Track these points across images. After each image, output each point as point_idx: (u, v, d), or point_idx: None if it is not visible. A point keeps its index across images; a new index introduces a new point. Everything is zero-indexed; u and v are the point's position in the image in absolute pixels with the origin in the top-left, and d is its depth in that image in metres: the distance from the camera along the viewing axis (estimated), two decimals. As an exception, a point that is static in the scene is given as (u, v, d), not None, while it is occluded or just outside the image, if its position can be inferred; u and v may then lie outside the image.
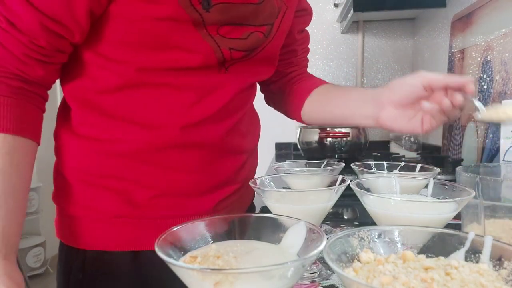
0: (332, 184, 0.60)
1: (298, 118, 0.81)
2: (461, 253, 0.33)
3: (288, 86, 0.83)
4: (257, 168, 0.81)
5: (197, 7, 0.52)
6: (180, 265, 0.31)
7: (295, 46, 0.81)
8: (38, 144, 0.56)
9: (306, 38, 0.84)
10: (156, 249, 0.32)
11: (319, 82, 0.80)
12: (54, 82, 0.58)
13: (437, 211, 0.48)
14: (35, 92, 0.54)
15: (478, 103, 0.59)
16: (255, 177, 0.60)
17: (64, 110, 0.61)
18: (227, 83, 0.61)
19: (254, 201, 0.82)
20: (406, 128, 0.62)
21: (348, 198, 0.60)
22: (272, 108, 0.89)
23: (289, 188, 0.65)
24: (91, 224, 0.59)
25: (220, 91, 0.60)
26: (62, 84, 0.60)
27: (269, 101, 0.88)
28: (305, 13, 0.80)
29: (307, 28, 0.83)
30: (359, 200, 0.53)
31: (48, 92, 0.58)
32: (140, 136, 0.57)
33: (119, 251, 0.59)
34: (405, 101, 0.61)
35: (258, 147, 0.78)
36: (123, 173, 0.58)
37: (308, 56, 0.86)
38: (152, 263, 0.60)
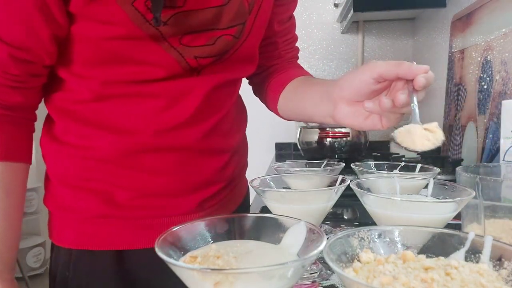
0: (332, 184, 0.60)
1: (277, 114, 0.78)
2: (461, 253, 0.33)
3: (267, 79, 0.79)
4: (248, 165, 0.79)
5: (153, 24, 0.51)
6: (180, 265, 0.31)
7: (275, 38, 0.76)
8: (29, 163, 0.60)
9: (290, 27, 0.78)
10: (156, 249, 0.32)
11: (295, 74, 0.74)
12: (38, 103, 0.61)
13: (437, 211, 0.48)
14: (20, 116, 0.58)
15: (415, 115, 0.51)
16: (256, 176, 0.60)
17: (48, 119, 0.64)
18: (200, 85, 0.60)
19: (254, 201, 0.82)
20: (365, 125, 0.56)
21: (348, 198, 0.60)
22: (272, 108, 0.88)
23: (289, 188, 0.65)
24: (76, 224, 0.61)
25: (193, 94, 0.60)
26: (44, 97, 0.62)
27: (255, 93, 0.85)
28: (288, 1, 0.75)
29: (306, 29, 0.81)
30: (359, 200, 0.53)
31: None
32: (114, 142, 0.59)
33: (103, 250, 0.60)
34: (357, 98, 0.55)
35: (258, 147, 0.78)
36: (102, 176, 0.60)
37: (308, 56, 0.84)
38: (136, 262, 0.62)
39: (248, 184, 0.56)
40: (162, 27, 0.52)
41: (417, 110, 0.51)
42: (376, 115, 0.55)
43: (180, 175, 0.62)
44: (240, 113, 0.75)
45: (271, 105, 0.78)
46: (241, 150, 0.75)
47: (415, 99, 0.51)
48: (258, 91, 0.83)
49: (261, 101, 0.84)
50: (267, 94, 0.78)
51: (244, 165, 0.79)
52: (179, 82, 0.58)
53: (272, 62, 0.79)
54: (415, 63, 0.51)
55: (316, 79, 0.73)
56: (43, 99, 0.62)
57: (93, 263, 0.61)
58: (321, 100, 0.62)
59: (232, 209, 0.73)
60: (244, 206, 0.80)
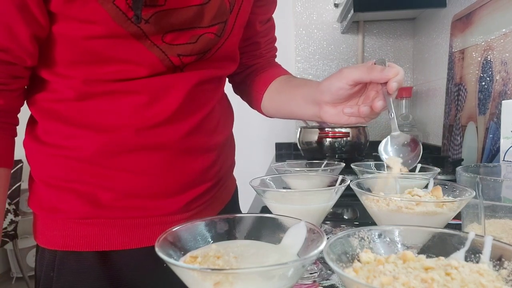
0: (332, 184, 0.60)
1: (260, 112, 0.81)
2: (461, 253, 0.33)
3: (249, 78, 0.81)
4: (235, 163, 0.79)
5: (133, 22, 0.51)
6: (181, 265, 0.31)
7: (257, 38, 0.79)
8: (10, 169, 0.59)
9: (270, 28, 0.81)
10: (156, 249, 0.32)
11: (276, 73, 0.78)
12: (20, 106, 0.60)
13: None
14: (1, 121, 0.56)
15: (394, 124, 0.58)
16: (256, 176, 0.60)
17: (30, 120, 0.63)
18: (182, 81, 0.60)
19: (254, 201, 0.82)
20: (350, 121, 0.62)
21: (348, 198, 0.60)
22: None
23: (289, 188, 0.65)
24: (60, 225, 0.61)
25: (176, 90, 0.60)
26: (26, 98, 0.61)
27: (236, 91, 0.87)
28: (267, 2, 0.77)
29: (306, 29, 0.82)
30: (359, 200, 0.53)
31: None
32: (97, 142, 0.58)
33: (88, 251, 0.60)
34: (338, 101, 0.62)
35: (258, 147, 0.78)
36: (85, 177, 0.59)
37: (308, 56, 0.86)
38: (122, 262, 0.61)
39: (249, 185, 0.56)
40: (144, 25, 0.52)
41: (395, 120, 0.58)
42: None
43: (164, 175, 0.61)
44: (226, 112, 0.75)
45: (255, 104, 0.81)
46: (227, 148, 0.75)
47: (391, 102, 0.57)
48: (239, 90, 0.85)
49: (243, 99, 0.86)
50: (249, 93, 0.80)
51: (232, 164, 0.78)
52: (161, 78, 0.58)
53: (253, 61, 0.81)
54: (387, 65, 0.58)
55: (297, 80, 0.76)
56: (25, 100, 0.61)
57: (78, 264, 0.60)
58: (306, 103, 0.68)
59: (219, 209, 0.73)
60: (231, 205, 0.79)
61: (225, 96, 0.75)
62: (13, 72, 0.54)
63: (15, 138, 0.60)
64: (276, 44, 0.86)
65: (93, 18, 0.51)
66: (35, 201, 0.63)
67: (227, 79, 0.83)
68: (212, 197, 0.69)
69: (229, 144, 0.76)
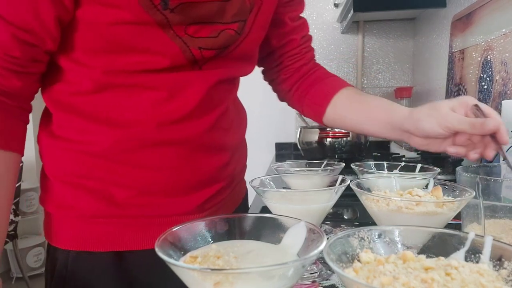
0: (332, 184, 0.60)
1: (320, 122, 0.79)
2: (461, 253, 0.33)
3: (303, 86, 0.79)
4: (247, 167, 0.80)
5: (160, 8, 0.51)
6: (181, 265, 0.31)
7: (292, 35, 0.78)
8: (21, 155, 0.58)
9: (303, 25, 0.80)
10: (156, 249, 0.32)
11: (338, 86, 0.76)
12: (35, 92, 0.59)
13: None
14: (15, 105, 0.56)
15: (508, 164, 0.55)
16: (256, 176, 0.60)
17: (45, 114, 0.63)
18: (201, 79, 0.60)
19: (254, 201, 0.82)
20: (442, 147, 0.61)
21: (348, 198, 0.60)
22: (272, 108, 0.89)
23: (289, 188, 0.65)
24: (73, 224, 0.60)
25: (194, 88, 0.60)
26: (41, 88, 0.61)
27: (283, 99, 0.86)
28: (294, 2, 0.77)
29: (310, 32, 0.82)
30: (359, 200, 0.53)
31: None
32: (115, 136, 0.58)
33: (101, 251, 0.60)
34: (430, 138, 0.61)
35: (258, 147, 0.78)
36: (101, 174, 0.59)
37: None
38: (136, 263, 0.61)
39: (249, 185, 0.56)
40: (169, 14, 0.52)
41: (509, 162, 0.55)
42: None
43: (180, 171, 0.61)
44: (239, 114, 0.75)
45: (314, 115, 0.79)
46: (241, 150, 0.75)
47: (504, 149, 0.56)
48: (289, 98, 0.83)
49: (292, 106, 0.84)
50: (307, 104, 0.78)
51: (244, 167, 0.79)
52: (181, 75, 0.58)
53: (297, 63, 0.80)
54: (487, 119, 0.54)
55: (370, 99, 0.73)
56: (40, 91, 0.61)
57: (91, 263, 0.60)
58: (393, 130, 0.67)
59: (230, 211, 0.73)
60: (242, 208, 0.79)
61: (238, 100, 0.76)
62: (33, 54, 0.53)
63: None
64: None
65: (119, 3, 0.50)
66: (48, 199, 0.62)
67: (271, 87, 0.85)
68: (225, 198, 0.70)
69: (242, 147, 0.77)
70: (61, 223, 0.61)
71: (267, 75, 0.84)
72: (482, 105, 0.56)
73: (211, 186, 0.65)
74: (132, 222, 0.60)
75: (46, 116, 0.62)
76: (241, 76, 0.72)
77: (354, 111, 0.73)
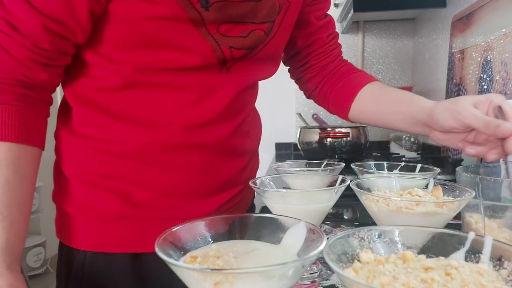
0: (332, 184, 0.60)
1: (346, 119, 0.79)
2: (461, 253, 0.33)
3: (328, 84, 0.79)
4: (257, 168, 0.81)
5: (196, 6, 0.51)
6: (180, 265, 0.31)
7: (318, 34, 0.78)
8: (43, 149, 0.56)
9: (330, 23, 0.80)
10: (156, 249, 0.32)
11: (363, 80, 0.75)
12: (58, 85, 0.57)
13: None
14: (39, 98, 0.54)
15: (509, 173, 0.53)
16: (256, 176, 0.60)
17: (64, 109, 0.61)
18: (228, 83, 0.60)
19: (254, 201, 0.82)
20: (461, 145, 0.59)
21: (348, 198, 0.60)
22: (272, 108, 0.89)
23: (289, 188, 0.65)
24: (90, 224, 0.59)
25: (222, 92, 0.60)
26: (62, 83, 0.59)
27: (310, 96, 0.86)
28: (319, 1, 0.77)
29: None
30: (359, 200, 0.53)
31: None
32: (140, 137, 0.57)
33: (119, 252, 0.59)
34: (450, 133, 0.59)
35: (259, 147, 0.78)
36: (123, 174, 0.58)
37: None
38: (153, 266, 0.60)
39: (250, 185, 0.56)
40: (204, 12, 0.52)
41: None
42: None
43: (204, 175, 0.61)
44: (256, 119, 0.76)
45: (340, 111, 0.79)
46: (255, 154, 0.76)
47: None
48: (315, 95, 0.83)
49: (320, 104, 0.84)
50: (333, 100, 0.79)
51: (257, 169, 0.79)
52: (210, 78, 0.58)
53: (323, 61, 0.79)
54: (504, 123, 0.51)
55: (395, 92, 0.73)
56: (61, 86, 0.59)
57: (108, 265, 0.59)
58: (415, 124, 0.66)
59: (242, 213, 0.74)
60: (251, 210, 0.80)
61: (254, 104, 0.76)
62: (62, 47, 0.52)
63: None
64: None
65: None
66: (63, 197, 0.60)
67: (297, 85, 0.85)
68: (240, 201, 0.70)
69: (256, 151, 0.77)
70: (79, 223, 0.59)
71: (293, 74, 0.85)
72: (506, 107, 0.54)
73: (230, 190, 0.66)
74: (151, 224, 0.59)
75: (65, 112, 0.60)
76: (266, 78, 0.71)
77: (378, 106, 0.72)
